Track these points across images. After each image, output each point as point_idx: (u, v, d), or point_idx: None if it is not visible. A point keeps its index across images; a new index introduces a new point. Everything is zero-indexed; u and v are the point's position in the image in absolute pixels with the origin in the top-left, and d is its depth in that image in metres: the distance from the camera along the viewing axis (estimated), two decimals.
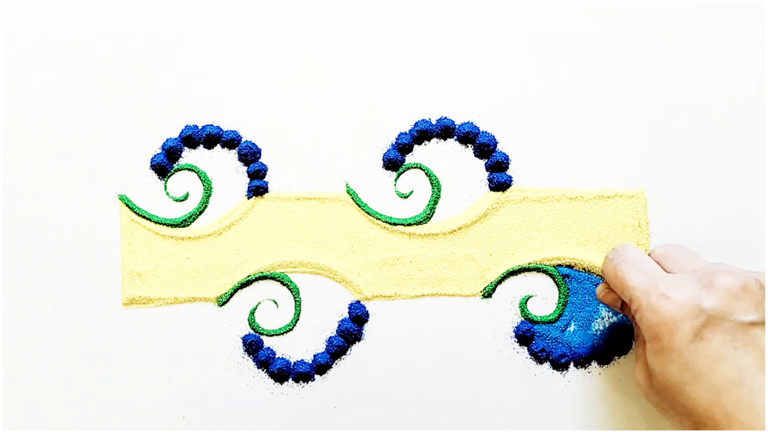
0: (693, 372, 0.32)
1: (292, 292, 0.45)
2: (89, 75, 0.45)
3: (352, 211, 0.45)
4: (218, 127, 0.45)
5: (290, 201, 0.45)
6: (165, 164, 0.45)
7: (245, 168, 0.45)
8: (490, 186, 0.45)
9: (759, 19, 0.45)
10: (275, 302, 0.45)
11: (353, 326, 0.44)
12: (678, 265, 0.37)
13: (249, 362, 0.44)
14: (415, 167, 0.45)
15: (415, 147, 0.45)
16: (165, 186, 0.45)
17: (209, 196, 0.45)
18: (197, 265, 0.45)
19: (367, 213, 0.45)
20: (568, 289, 0.44)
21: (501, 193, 0.45)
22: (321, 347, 0.44)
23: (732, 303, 0.33)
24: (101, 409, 0.44)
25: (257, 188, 0.45)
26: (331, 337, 0.44)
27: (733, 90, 0.45)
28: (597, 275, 0.44)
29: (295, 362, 0.44)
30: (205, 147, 0.45)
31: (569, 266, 0.44)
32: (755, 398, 0.31)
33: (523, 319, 0.44)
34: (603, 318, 0.44)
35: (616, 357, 0.44)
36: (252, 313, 0.44)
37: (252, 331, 0.44)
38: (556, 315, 0.44)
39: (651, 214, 0.44)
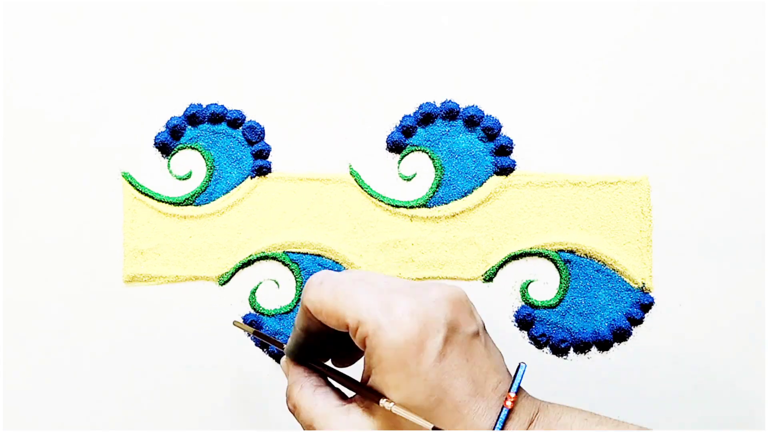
0: (437, 395, 0.30)
1: (293, 272, 0.45)
2: (94, 52, 0.45)
3: (355, 192, 0.45)
4: (222, 106, 0.45)
5: (293, 181, 0.45)
6: (168, 142, 0.45)
7: (249, 147, 0.45)
8: (493, 170, 0.45)
9: (763, 9, 0.44)
10: (276, 282, 0.45)
11: None
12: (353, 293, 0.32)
13: (249, 342, 0.44)
14: (419, 150, 0.45)
15: (419, 129, 0.45)
16: (168, 164, 0.45)
17: (212, 174, 0.45)
18: (199, 243, 0.45)
19: (370, 195, 0.45)
20: (570, 274, 0.44)
21: (504, 177, 0.45)
22: None
23: (458, 315, 0.31)
24: (101, 385, 0.44)
25: (260, 168, 0.45)
26: None
27: (738, 77, 0.44)
28: (599, 261, 0.44)
29: None
30: (209, 126, 0.45)
31: (571, 251, 0.44)
32: (490, 406, 0.31)
33: (523, 303, 0.44)
34: (603, 304, 0.44)
35: (615, 343, 0.44)
36: (253, 292, 0.45)
37: (253, 311, 0.44)
38: (557, 300, 0.44)
39: (654, 201, 0.44)
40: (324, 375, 0.34)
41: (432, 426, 0.28)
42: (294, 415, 0.33)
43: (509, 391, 0.31)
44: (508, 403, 0.31)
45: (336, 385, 0.34)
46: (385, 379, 0.30)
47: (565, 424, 0.31)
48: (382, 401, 0.30)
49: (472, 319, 0.31)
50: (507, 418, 0.31)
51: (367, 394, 0.31)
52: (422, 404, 0.30)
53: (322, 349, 0.35)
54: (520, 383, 0.32)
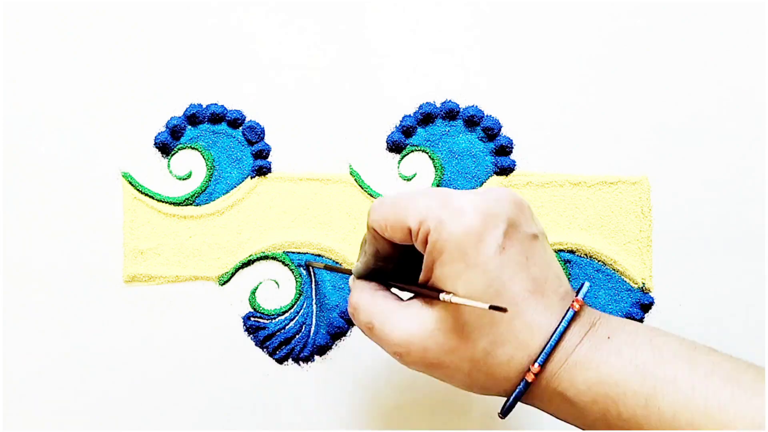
0: (496, 286, 0.30)
1: (293, 272, 0.45)
2: (94, 52, 0.45)
3: (354, 192, 0.45)
4: (222, 106, 0.45)
5: (293, 181, 0.45)
6: (168, 142, 0.45)
7: (249, 147, 0.45)
8: (493, 170, 0.45)
9: (762, 9, 0.44)
10: (276, 282, 0.45)
11: None
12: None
13: (249, 342, 0.44)
14: (419, 150, 0.45)
15: (419, 129, 0.45)
16: (168, 164, 0.45)
17: (212, 174, 0.45)
18: (199, 243, 0.45)
19: (370, 195, 0.45)
20: (570, 274, 0.44)
21: (504, 177, 0.45)
22: (321, 328, 0.44)
23: (519, 215, 0.31)
24: (101, 385, 0.44)
25: (260, 168, 0.45)
26: (331, 318, 0.44)
27: (738, 77, 0.44)
28: (599, 261, 0.44)
29: (295, 342, 0.44)
30: (209, 126, 0.45)
31: (571, 251, 0.44)
32: (549, 305, 0.31)
33: None
34: (603, 304, 0.44)
35: None
36: (253, 292, 0.45)
37: (253, 311, 0.44)
38: None
39: (654, 201, 0.44)
40: (386, 283, 0.35)
41: (489, 305, 0.28)
42: (354, 318, 0.34)
43: (576, 295, 0.32)
44: (576, 305, 0.31)
45: (396, 293, 0.35)
46: (445, 270, 0.30)
47: (630, 332, 0.31)
48: (442, 294, 0.30)
49: (533, 222, 0.32)
50: (570, 320, 0.31)
51: (426, 293, 0.32)
52: (480, 295, 0.30)
53: (390, 275, 0.36)
54: (585, 294, 0.32)
